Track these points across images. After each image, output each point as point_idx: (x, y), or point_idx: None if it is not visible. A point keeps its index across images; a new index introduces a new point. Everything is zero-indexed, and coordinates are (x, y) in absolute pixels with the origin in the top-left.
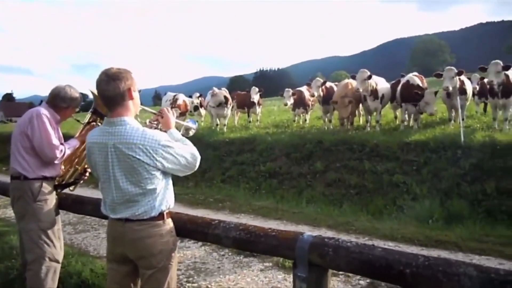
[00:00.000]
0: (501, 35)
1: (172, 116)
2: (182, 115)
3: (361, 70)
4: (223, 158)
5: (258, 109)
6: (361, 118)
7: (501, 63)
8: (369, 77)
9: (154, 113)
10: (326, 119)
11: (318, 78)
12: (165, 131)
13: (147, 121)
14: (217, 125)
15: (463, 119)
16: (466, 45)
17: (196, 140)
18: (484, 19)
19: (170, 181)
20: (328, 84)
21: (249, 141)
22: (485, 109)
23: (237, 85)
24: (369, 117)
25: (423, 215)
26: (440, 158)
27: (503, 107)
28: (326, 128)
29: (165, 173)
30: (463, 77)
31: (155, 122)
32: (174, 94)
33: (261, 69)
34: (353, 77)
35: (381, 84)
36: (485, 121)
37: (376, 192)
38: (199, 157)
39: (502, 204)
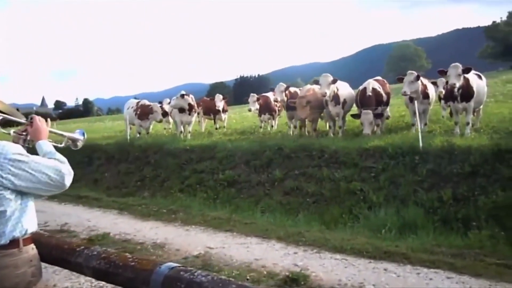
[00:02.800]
0: (476, 41)
1: (43, 125)
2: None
3: (324, 74)
4: (183, 166)
5: (224, 116)
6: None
7: (460, 66)
8: (334, 81)
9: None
10: (292, 125)
11: (281, 83)
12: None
13: (12, 131)
14: (181, 132)
15: (425, 124)
16: (442, 50)
17: (157, 148)
18: (460, 25)
19: (31, 203)
20: (293, 89)
21: (209, 149)
22: (451, 114)
23: (217, 91)
24: (331, 122)
25: (377, 224)
26: (398, 164)
27: (464, 111)
28: (291, 133)
29: (21, 193)
30: (426, 81)
31: (24, 133)
32: (137, 100)
33: (242, 75)
34: (316, 82)
35: (344, 89)
36: (450, 125)
37: (333, 201)
38: (68, 174)
39: (458, 212)
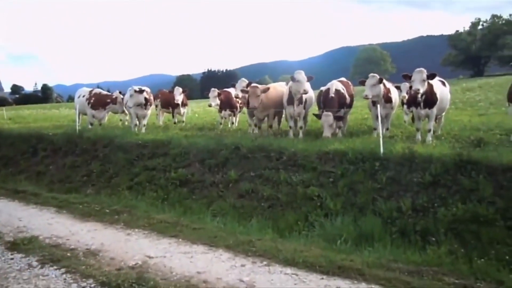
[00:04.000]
0: (439, 48)
1: None
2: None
3: (297, 71)
4: (133, 162)
5: (183, 110)
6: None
7: (425, 71)
8: (309, 79)
9: None
10: (252, 123)
11: (242, 79)
12: None
13: None
14: (136, 125)
15: (387, 129)
16: (407, 56)
17: (107, 141)
18: (424, 33)
19: None
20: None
21: (163, 144)
22: (413, 119)
23: (184, 84)
24: (292, 123)
25: (333, 234)
26: (357, 170)
27: (426, 118)
28: (252, 132)
29: None
30: (389, 85)
31: None
32: (90, 89)
33: (209, 69)
34: (293, 79)
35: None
36: (412, 131)
37: (289, 206)
38: None
39: (417, 224)
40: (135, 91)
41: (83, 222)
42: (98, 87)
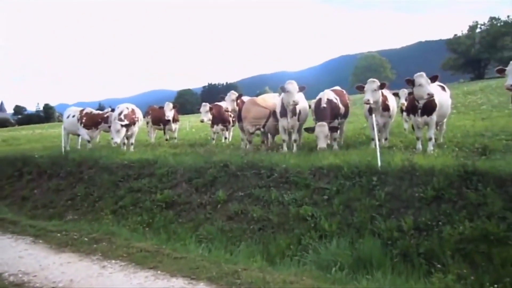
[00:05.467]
0: (438, 53)
1: None
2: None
3: (289, 81)
4: (118, 184)
5: (175, 126)
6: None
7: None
8: (301, 89)
9: None
10: (244, 137)
11: (232, 91)
12: None
13: None
14: (124, 144)
15: (386, 138)
16: (406, 62)
17: (92, 162)
18: (423, 38)
19: None
20: (246, 98)
21: (149, 164)
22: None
23: (184, 98)
24: (286, 136)
25: (328, 260)
26: (354, 185)
27: (426, 125)
28: (245, 146)
29: None
30: (386, 92)
31: None
32: (80, 109)
33: (210, 83)
34: (283, 89)
35: (300, 100)
36: (412, 139)
37: (281, 228)
38: None
39: (420, 245)
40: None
41: (58, 254)
42: (99, 105)
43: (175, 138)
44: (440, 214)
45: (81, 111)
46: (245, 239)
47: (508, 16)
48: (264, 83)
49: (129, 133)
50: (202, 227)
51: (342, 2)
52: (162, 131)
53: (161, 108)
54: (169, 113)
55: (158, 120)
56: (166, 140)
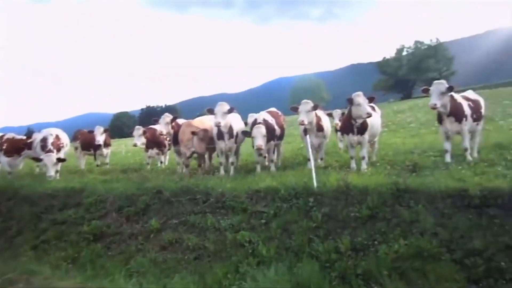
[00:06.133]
0: (370, 75)
1: None
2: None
3: (219, 103)
4: (41, 216)
5: (106, 151)
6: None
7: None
8: (230, 111)
9: None
10: (180, 161)
11: (167, 114)
12: None
13: None
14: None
15: (321, 158)
16: (340, 83)
17: (12, 192)
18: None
19: None
20: (181, 120)
21: (76, 193)
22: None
23: (121, 121)
24: (223, 158)
25: None
26: (291, 208)
27: (359, 144)
28: (181, 171)
29: None
30: (320, 113)
31: None
32: (1, 134)
33: (148, 105)
34: (210, 111)
35: (236, 122)
36: (347, 158)
37: (217, 256)
38: None
39: (358, 266)
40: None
41: None
42: (28, 129)
43: (106, 163)
44: (375, 233)
45: (1, 136)
46: (180, 270)
47: (431, 40)
48: (204, 105)
49: None
50: (133, 259)
51: (280, 25)
52: (93, 157)
53: (91, 132)
54: (100, 138)
55: (88, 145)
56: (97, 166)
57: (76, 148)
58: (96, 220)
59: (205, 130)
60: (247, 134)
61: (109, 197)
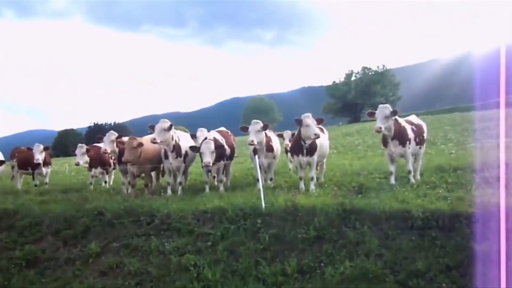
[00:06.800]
0: (320, 98)
1: None
2: None
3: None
4: None
5: (46, 170)
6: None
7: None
8: (170, 128)
9: None
10: (125, 181)
11: (111, 131)
12: None
13: None
14: None
15: (271, 179)
16: (291, 105)
17: None
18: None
19: None
20: (126, 138)
21: (9, 215)
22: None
23: (66, 139)
24: (171, 178)
25: None
26: (239, 229)
27: (308, 165)
28: (126, 191)
29: None
30: (271, 134)
31: None
32: None
33: (96, 122)
34: (152, 128)
35: (185, 140)
36: (296, 179)
37: (161, 281)
38: None
39: None
40: None
41: None
42: None
43: (46, 183)
44: (322, 254)
45: None
46: None
47: (377, 67)
48: (156, 123)
49: None
50: (69, 286)
51: (233, 49)
52: (31, 176)
53: (30, 150)
54: (39, 156)
55: (26, 163)
56: (35, 186)
57: (12, 167)
58: (29, 245)
59: (133, 138)
60: (195, 149)
61: (45, 219)
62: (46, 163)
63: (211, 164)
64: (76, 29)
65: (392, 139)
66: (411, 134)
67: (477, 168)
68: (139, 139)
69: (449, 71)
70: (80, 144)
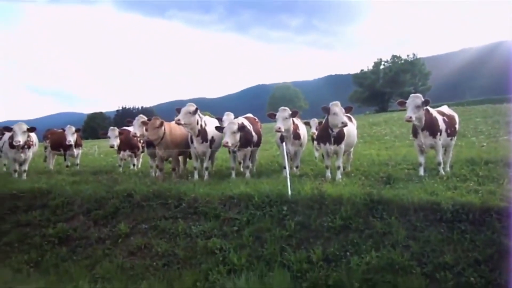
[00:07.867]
0: (346, 86)
1: None
2: None
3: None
4: (4, 217)
5: (77, 151)
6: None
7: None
8: (195, 112)
9: None
10: (154, 164)
11: (141, 115)
12: None
13: None
14: (15, 171)
15: (297, 167)
16: (318, 93)
17: None
18: (333, 72)
19: None
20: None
21: (43, 194)
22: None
23: (96, 122)
24: (197, 163)
25: None
26: (264, 216)
27: (335, 154)
28: (154, 174)
29: None
30: (298, 121)
31: None
32: None
33: (124, 106)
34: (178, 110)
35: (212, 126)
36: (322, 168)
37: (187, 263)
38: None
39: (329, 276)
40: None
41: None
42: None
43: (77, 164)
44: (348, 243)
45: None
46: (148, 277)
47: (407, 56)
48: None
49: (22, 158)
50: (99, 264)
51: (259, 35)
52: (63, 157)
53: (62, 131)
54: (71, 137)
55: (58, 145)
56: (67, 167)
57: (45, 148)
58: (62, 223)
59: (156, 118)
60: (220, 130)
61: (77, 199)
62: (77, 144)
63: (229, 144)
64: (105, 14)
65: (423, 129)
66: (442, 125)
67: (510, 162)
68: (167, 124)
69: (481, 61)
70: (112, 127)
